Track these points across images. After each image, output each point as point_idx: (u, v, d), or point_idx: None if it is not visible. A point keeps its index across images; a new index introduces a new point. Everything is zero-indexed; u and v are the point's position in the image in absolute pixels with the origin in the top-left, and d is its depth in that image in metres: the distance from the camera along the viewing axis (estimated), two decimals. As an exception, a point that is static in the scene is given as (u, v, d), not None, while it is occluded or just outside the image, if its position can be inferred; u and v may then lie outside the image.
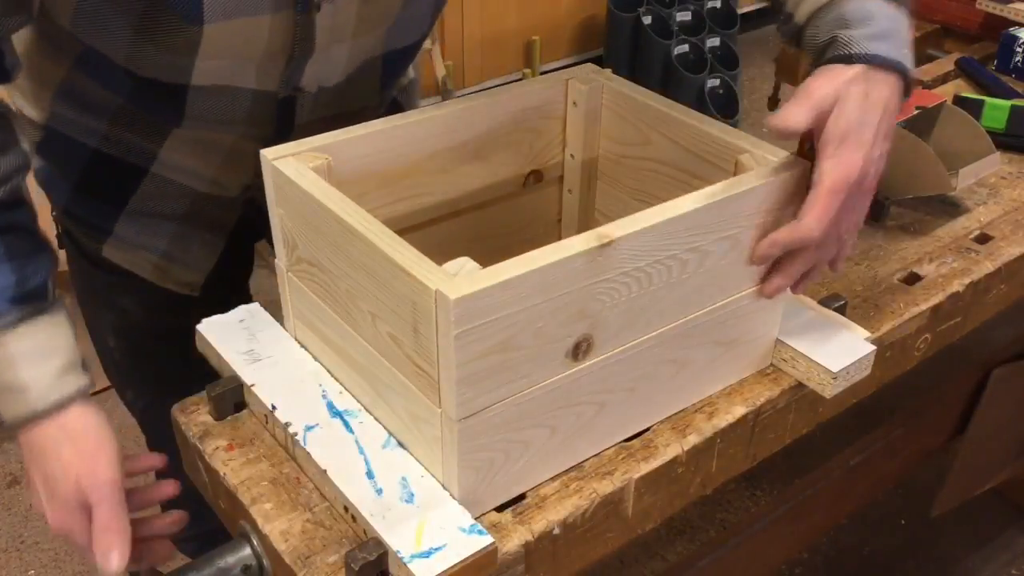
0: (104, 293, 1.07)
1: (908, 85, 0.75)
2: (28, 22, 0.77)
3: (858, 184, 0.72)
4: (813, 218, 0.72)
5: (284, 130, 0.92)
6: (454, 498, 0.70)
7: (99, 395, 2.55)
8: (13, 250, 0.74)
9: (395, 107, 1.09)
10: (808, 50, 0.79)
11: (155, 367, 1.09)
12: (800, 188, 0.77)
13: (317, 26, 0.81)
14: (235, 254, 1.07)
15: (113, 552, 0.72)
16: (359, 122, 0.82)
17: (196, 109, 0.88)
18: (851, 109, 0.72)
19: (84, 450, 0.74)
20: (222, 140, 0.94)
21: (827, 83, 0.72)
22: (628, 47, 3.42)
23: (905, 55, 0.74)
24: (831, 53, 0.74)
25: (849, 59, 0.73)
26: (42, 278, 0.76)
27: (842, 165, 0.71)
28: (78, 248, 1.05)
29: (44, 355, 0.74)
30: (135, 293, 1.04)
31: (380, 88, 0.99)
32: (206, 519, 0.85)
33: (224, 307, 0.88)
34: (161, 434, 0.88)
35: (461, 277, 0.62)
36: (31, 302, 0.75)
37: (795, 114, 0.71)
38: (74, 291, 1.12)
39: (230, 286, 1.10)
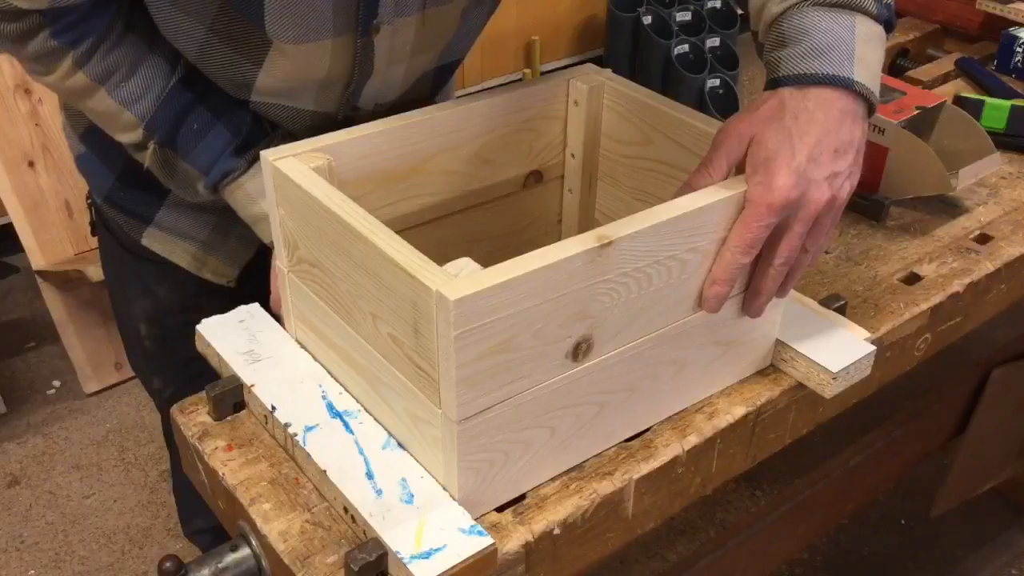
0: (139, 280, 1.08)
1: (862, 96, 0.71)
2: None
3: (795, 204, 0.69)
4: (731, 245, 0.71)
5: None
6: (454, 499, 0.70)
7: (122, 386, 2.54)
8: (218, 110, 0.86)
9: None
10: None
11: (185, 356, 1.09)
12: None
13: (376, 49, 0.83)
14: (269, 249, 1.08)
15: None
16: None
17: (262, 112, 0.91)
18: (770, 137, 0.69)
19: None
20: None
21: (734, 127, 0.71)
22: (628, 47, 3.42)
23: (849, 67, 0.70)
24: (767, 78, 0.73)
25: (775, 84, 0.71)
26: (248, 124, 0.88)
27: (763, 187, 0.69)
28: (114, 236, 1.06)
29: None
30: (171, 282, 1.05)
31: (430, 97, 1.02)
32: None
33: (257, 300, 0.90)
34: (169, 427, 0.89)
35: (461, 278, 0.62)
36: (249, 149, 0.87)
37: (702, 179, 0.71)
38: (106, 278, 1.17)
39: (264, 280, 1.11)
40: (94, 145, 1.01)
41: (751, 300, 0.77)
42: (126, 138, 0.88)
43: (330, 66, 0.83)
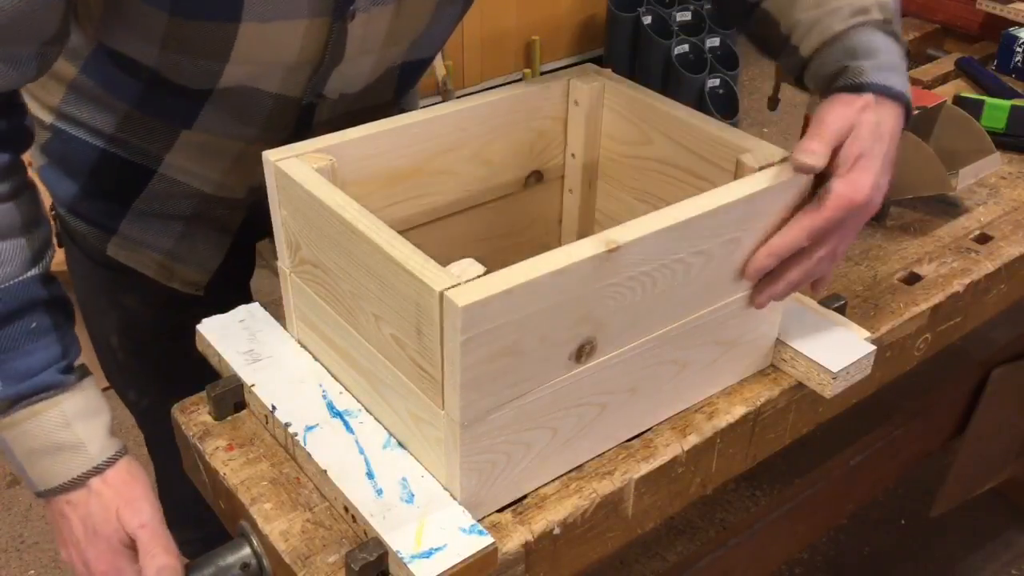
0: (107, 292, 1.07)
1: (908, 116, 0.78)
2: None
3: (862, 206, 0.74)
4: (803, 225, 0.74)
5: (300, 133, 0.93)
6: (456, 499, 0.70)
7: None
8: (58, 322, 0.77)
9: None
10: (814, 81, 0.81)
11: (158, 366, 1.09)
12: (805, 191, 0.77)
13: (349, 35, 0.82)
14: (238, 254, 1.07)
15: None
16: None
17: (212, 112, 0.88)
18: (864, 135, 0.74)
19: (124, 492, 0.76)
20: (230, 146, 0.94)
21: (841, 113, 0.74)
22: (628, 47, 3.42)
23: (908, 87, 0.77)
24: (841, 82, 0.76)
25: (860, 88, 0.75)
26: (78, 345, 0.79)
27: (852, 184, 0.73)
28: (80, 247, 1.05)
29: (94, 413, 0.77)
30: (139, 292, 1.04)
31: (394, 97, 1.01)
32: (209, 523, 0.85)
33: (226, 307, 0.89)
34: (162, 434, 0.88)
35: (469, 283, 0.62)
36: (76, 368, 0.77)
37: (816, 151, 0.73)
38: (74, 291, 1.11)
39: (233, 286, 1.10)
40: (55, 156, 0.99)
41: (768, 285, 0.79)
42: None
43: (301, 48, 0.82)
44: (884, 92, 0.75)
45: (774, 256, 0.76)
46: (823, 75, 0.79)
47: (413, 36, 0.90)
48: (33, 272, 0.75)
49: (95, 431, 0.76)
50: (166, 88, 0.86)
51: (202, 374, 0.85)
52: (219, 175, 0.97)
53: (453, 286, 0.61)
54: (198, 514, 0.85)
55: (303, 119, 0.92)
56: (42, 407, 0.74)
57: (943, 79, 1.41)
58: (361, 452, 0.75)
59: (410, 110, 1.09)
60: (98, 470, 0.75)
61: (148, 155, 0.95)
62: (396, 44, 0.89)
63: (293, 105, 0.90)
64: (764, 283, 0.79)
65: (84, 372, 0.78)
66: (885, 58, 0.77)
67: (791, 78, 0.86)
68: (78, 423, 0.75)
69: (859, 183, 0.73)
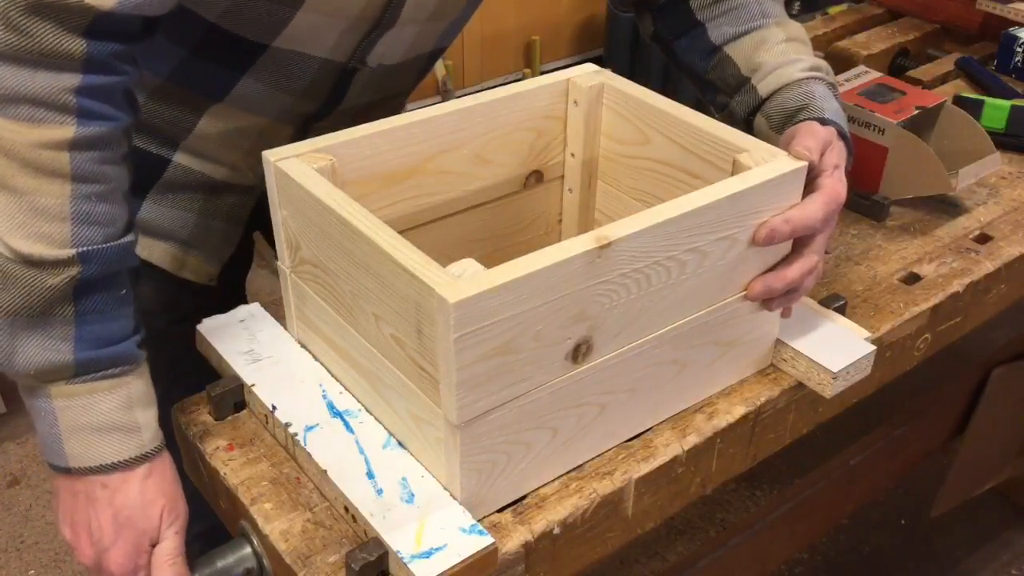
0: None
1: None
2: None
3: (840, 207, 0.82)
4: (816, 206, 0.78)
5: (330, 105, 0.95)
6: (456, 499, 0.70)
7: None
8: (134, 296, 0.74)
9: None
10: (770, 115, 0.91)
11: (169, 356, 1.09)
12: (798, 189, 0.77)
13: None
14: (245, 246, 1.08)
15: None
16: (390, 115, 0.83)
17: (252, 80, 0.89)
18: (837, 152, 0.84)
19: (169, 489, 0.74)
20: (253, 125, 0.95)
21: (820, 131, 0.83)
22: (628, 47, 3.42)
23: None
24: (807, 115, 0.87)
25: (824, 122, 0.85)
26: (143, 327, 0.76)
27: (838, 183, 0.82)
28: None
29: (150, 401, 0.75)
30: (152, 282, 1.04)
31: (412, 85, 1.03)
32: (209, 517, 0.85)
33: (240, 296, 0.89)
34: (169, 427, 0.88)
35: (460, 280, 0.62)
36: (142, 348, 0.75)
37: (812, 147, 0.80)
38: None
39: (240, 276, 1.11)
40: None
41: (787, 299, 0.83)
42: (36, 248, 0.67)
43: (366, 3, 0.83)
44: (840, 133, 0.85)
45: (784, 235, 0.78)
46: (785, 108, 0.89)
47: (452, 15, 0.93)
48: (130, 237, 0.73)
49: (150, 419, 0.74)
50: (217, 47, 0.85)
51: (209, 369, 0.85)
52: (235, 158, 0.98)
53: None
54: (197, 510, 0.85)
55: (336, 91, 0.93)
56: (107, 385, 0.71)
57: (943, 79, 1.41)
58: (361, 452, 0.75)
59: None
60: (147, 457, 0.73)
61: (168, 138, 0.95)
62: (439, 20, 0.92)
63: (335, 71, 0.91)
64: (764, 273, 0.81)
65: (144, 357, 0.75)
66: (836, 106, 0.89)
67: (732, 117, 0.96)
68: (138, 408, 0.73)
69: (841, 182, 0.82)
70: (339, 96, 0.94)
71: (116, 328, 0.71)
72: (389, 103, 1.03)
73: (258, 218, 1.01)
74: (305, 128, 0.97)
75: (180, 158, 0.97)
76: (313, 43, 0.87)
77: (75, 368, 0.69)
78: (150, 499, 0.73)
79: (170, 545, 0.73)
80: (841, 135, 0.86)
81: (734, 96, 0.95)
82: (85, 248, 0.68)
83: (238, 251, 1.06)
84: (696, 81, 1.00)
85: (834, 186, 0.81)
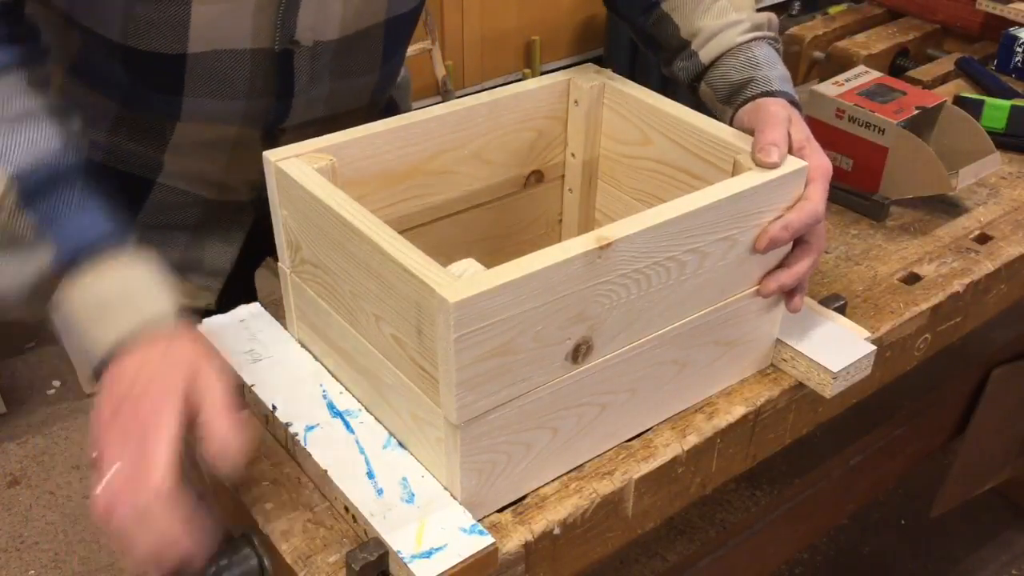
0: None
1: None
2: None
3: (829, 177, 0.80)
4: (817, 197, 0.78)
5: (284, 99, 0.90)
6: (456, 499, 0.70)
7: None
8: (96, 192, 0.73)
9: (392, 106, 1.09)
10: (715, 85, 0.89)
11: None
12: (798, 189, 0.77)
13: None
14: (249, 260, 1.05)
15: (233, 442, 0.64)
16: (359, 106, 0.81)
17: (194, 88, 0.86)
18: (800, 126, 0.82)
19: (203, 348, 0.69)
20: (224, 133, 0.93)
21: (775, 111, 0.81)
22: (628, 47, 3.42)
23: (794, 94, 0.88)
24: (754, 90, 0.86)
25: (772, 94, 0.84)
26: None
27: (817, 155, 0.80)
28: None
29: (160, 279, 0.72)
30: None
31: (382, 61, 0.97)
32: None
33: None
34: None
35: (461, 280, 0.62)
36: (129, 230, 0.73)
37: (777, 142, 0.77)
38: None
39: (243, 290, 1.10)
40: None
41: (794, 296, 0.83)
42: None
43: None
44: (790, 100, 0.84)
45: (789, 232, 0.77)
46: (729, 81, 0.88)
47: None
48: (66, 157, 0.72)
49: (173, 289, 0.70)
50: (141, 64, 0.83)
51: None
52: (218, 174, 0.97)
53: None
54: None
55: (283, 80, 0.88)
56: (111, 261, 0.69)
57: (943, 79, 1.41)
58: (361, 452, 0.75)
59: (405, 111, 1.09)
60: (179, 314, 0.69)
61: (146, 164, 0.94)
62: None
63: (267, 60, 0.86)
64: (775, 270, 0.81)
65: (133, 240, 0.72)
66: (781, 70, 0.87)
67: (676, 79, 0.94)
68: (155, 277, 0.70)
69: (820, 155, 0.80)
70: (288, 87, 0.89)
71: (98, 215, 0.71)
72: (365, 87, 0.97)
73: (262, 243, 0.96)
74: (272, 132, 0.93)
75: (163, 179, 0.96)
76: (228, 36, 0.83)
77: (100, 246, 0.69)
78: (180, 355, 0.67)
79: (219, 396, 0.66)
80: (792, 103, 0.84)
81: (675, 60, 0.93)
82: (16, 170, 0.69)
83: (236, 281, 1.02)
84: (638, 35, 0.98)
85: (818, 162, 0.79)
